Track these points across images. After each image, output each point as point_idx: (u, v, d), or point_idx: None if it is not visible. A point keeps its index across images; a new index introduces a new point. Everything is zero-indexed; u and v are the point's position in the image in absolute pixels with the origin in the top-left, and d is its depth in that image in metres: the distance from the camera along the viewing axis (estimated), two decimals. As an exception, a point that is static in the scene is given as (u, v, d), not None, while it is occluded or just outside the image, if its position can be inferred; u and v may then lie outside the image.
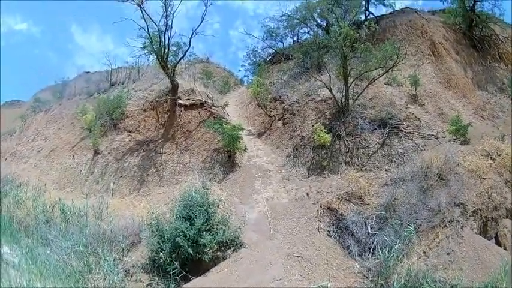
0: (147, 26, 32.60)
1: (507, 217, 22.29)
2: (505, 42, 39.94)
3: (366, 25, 34.26)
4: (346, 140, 28.48)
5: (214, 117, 33.79)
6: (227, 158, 30.59)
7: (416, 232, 20.10)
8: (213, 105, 35.65)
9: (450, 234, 20.07)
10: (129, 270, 19.40)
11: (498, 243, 20.92)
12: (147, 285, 18.82)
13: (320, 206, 23.89)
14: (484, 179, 23.54)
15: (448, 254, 19.02)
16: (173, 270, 18.53)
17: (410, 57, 35.68)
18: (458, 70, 36.87)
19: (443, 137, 28.06)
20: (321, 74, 33.86)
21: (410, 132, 28.16)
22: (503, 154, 25.45)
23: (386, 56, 28.73)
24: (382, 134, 28.05)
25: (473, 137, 27.93)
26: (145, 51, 34.44)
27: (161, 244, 19.21)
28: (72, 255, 19.06)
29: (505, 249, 20.18)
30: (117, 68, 47.86)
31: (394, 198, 22.85)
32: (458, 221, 20.72)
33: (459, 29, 41.16)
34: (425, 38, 39.04)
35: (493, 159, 25.20)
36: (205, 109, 34.82)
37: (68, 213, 24.20)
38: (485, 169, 24.11)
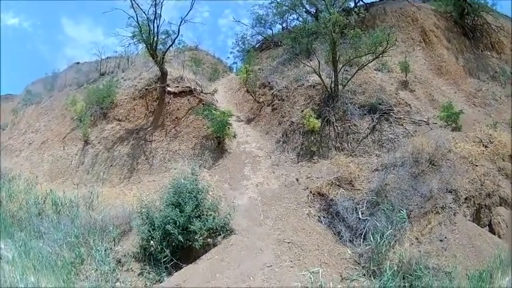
0: (136, 15, 32.58)
1: (501, 205, 21.89)
2: (497, 31, 39.74)
3: (355, 11, 33.87)
4: (336, 126, 28.12)
5: (203, 104, 33.68)
6: (216, 144, 30.40)
7: (408, 218, 19.77)
8: (202, 92, 35.48)
9: (443, 221, 19.77)
10: (120, 259, 18.93)
11: (492, 231, 20.49)
12: (139, 274, 18.32)
13: (310, 192, 23.52)
14: (477, 165, 23.26)
15: (441, 240, 18.69)
16: (164, 258, 18.20)
17: (400, 44, 35.60)
18: (449, 57, 36.66)
19: (434, 123, 27.80)
20: (310, 60, 33.52)
21: (400, 118, 27.94)
22: (495, 141, 25.18)
23: (376, 42, 28.47)
24: (372, 119, 27.80)
25: (465, 123, 27.62)
26: (135, 40, 34.55)
27: (151, 232, 18.76)
28: (64, 247, 18.73)
29: (499, 237, 19.81)
30: (107, 58, 47.89)
31: (385, 184, 22.55)
32: (451, 208, 20.43)
33: (450, 17, 40.86)
34: (416, 25, 38.85)
35: (486, 147, 24.91)
36: (194, 96, 34.67)
37: (60, 204, 23.81)
38: (477, 156, 23.86)
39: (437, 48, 37.13)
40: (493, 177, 22.85)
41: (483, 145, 25.08)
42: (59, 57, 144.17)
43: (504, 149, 24.51)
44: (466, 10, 40.02)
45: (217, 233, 19.84)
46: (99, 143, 34.18)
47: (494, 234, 20.05)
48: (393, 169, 23.50)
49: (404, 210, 19.80)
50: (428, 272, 15.89)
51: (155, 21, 33.50)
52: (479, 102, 32.91)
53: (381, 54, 29.18)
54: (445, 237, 18.80)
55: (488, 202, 21.82)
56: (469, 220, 20.52)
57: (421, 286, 15.41)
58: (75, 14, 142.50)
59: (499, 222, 20.77)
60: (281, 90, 34.18)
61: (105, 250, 18.48)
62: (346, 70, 30.92)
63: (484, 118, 29.54)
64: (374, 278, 16.82)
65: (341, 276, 17.13)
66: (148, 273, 18.22)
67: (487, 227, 20.97)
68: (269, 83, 36.46)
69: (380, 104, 28.45)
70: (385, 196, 21.92)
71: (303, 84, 32.76)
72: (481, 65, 37.07)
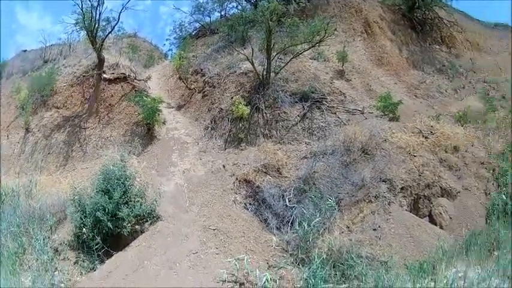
0: (81, 1, 31.55)
1: (443, 196, 21.28)
2: (450, 26, 40.79)
3: (295, 1, 33.63)
4: (265, 113, 27.36)
5: (135, 90, 32.82)
6: (146, 130, 29.71)
7: (338, 206, 19.27)
8: (136, 79, 34.46)
9: (376, 210, 19.43)
10: (57, 248, 18.18)
11: (433, 221, 20.04)
12: (74, 263, 17.63)
13: (236, 178, 23.01)
14: (415, 156, 22.84)
15: (374, 229, 18.26)
16: (96, 245, 17.58)
17: (340, 34, 35.26)
18: (392, 49, 36.64)
19: (369, 112, 27.41)
20: (245, 48, 32.70)
21: (333, 107, 27.48)
22: (437, 133, 24.83)
23: (314, 31, 27.78)
24: (303, 107, 27.15)
25: (404, 114, 27.49)
26: (77, 27, 33.76)
27: (83, 219, 18.12)
28: (8, 237, 18.28)
29: (441, 228, 19.36)
30: (51, 45, 46.36)
31: (314, 171, 21.96)
32: (385, 197, 20.11)
33: (399, 10, 41.10)
34: (360, 16, 38.44)
35: (426, 138, 24.51)
36: (128, 83, 33.65)
37: (3, 194, 23.24)
38: (416, 146, 23.53)
39: (380, 39, 37.01)
40: (434, 168, 22.52)
41: (423, 136, 24.81)
42: (10, 45, 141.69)
43: (447, 140, 24.37)
44: (417, 4, 40.42)
45: (145, 220, 19.68)
46: (38, 130, 32.91)
47: (435, 225, 19.83)
48: (323, 157, 23.21)
49: (333, 198, 19.42)
50: (361, 261, 15.53)
51: (98, 8, 32.69)
52: (421, 94, 32.93)
53: (317, 43, 28.63)
54: (379, 226, 18.52)
55: (427, 193, 21.46)
56: (406, 210, 20.13)
57: (354, 275, 14.99)
58: (27, 0, 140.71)
59: (440, 213, 20.52)
60: (213, 77, 33.49)
61: (44, 239, 18.14)
62: (281, 58, 30.21)
63: (426, 110, 29.67)
64: (303, 266, 16.35)
65: (268, 263, 16.79)
66: (83, 261, 17.91)
67: (427, 217, 20.68)
68: (201, 69, 35.71)
69: (313, 93, 27.87)
70: (314, 184, 21.57)
71: (235, 72, 32.03)
72: (427, 58, 37.45)
